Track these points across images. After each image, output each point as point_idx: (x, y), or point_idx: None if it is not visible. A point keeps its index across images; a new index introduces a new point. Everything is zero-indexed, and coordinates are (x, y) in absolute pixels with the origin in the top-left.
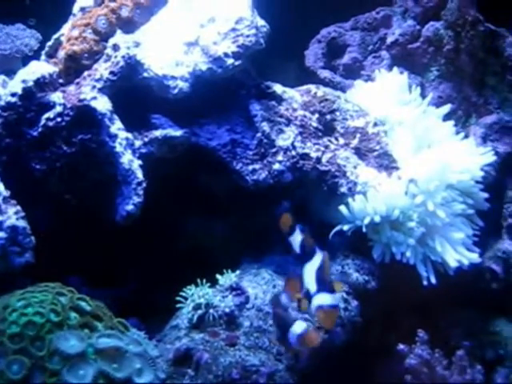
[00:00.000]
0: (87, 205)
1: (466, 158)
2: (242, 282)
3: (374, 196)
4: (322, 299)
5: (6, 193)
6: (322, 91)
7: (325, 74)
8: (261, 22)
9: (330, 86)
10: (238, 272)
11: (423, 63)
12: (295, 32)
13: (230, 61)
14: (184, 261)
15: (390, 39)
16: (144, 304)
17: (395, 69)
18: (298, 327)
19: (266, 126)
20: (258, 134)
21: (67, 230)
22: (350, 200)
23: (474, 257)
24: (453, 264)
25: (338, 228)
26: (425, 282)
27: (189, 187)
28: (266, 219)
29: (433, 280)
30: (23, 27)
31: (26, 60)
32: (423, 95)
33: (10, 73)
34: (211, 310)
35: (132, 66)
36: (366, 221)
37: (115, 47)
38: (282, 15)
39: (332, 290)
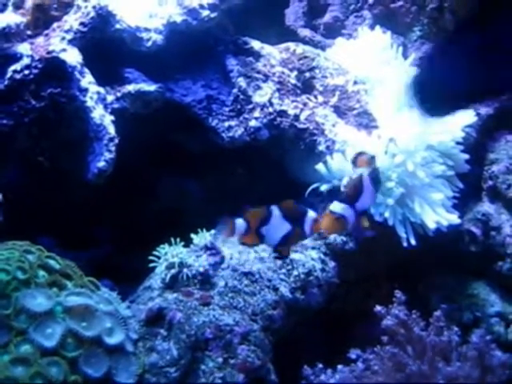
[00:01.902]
0: (58, 162)
1: (447, 118)
2: (218, 242)
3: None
4: (335, 206)
5: None
6: (301, 48)
7: (305, 32)
8: None
9: (310, 44)
10: (212, 231)
11: (406, 23)
12: None
13: (205, 12)
14: (159, 222)
15: None
16: (118, 266)
17: (378, 27)
18: (312, 213)
19: (242, 82)
20: (235, 90)
21: (38, 188)
22: (328, 158)
23: (453, 218)
24: (431, 225)
25: (314, 186)
26: (404, 244)
27: (164, 145)
28: (242, 178)
29: (412, 241)
30: None
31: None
32: (405, 55)
33: None
34: (185, 270)
35: (103, 17)
36: (345, 180)
37: None
38: None
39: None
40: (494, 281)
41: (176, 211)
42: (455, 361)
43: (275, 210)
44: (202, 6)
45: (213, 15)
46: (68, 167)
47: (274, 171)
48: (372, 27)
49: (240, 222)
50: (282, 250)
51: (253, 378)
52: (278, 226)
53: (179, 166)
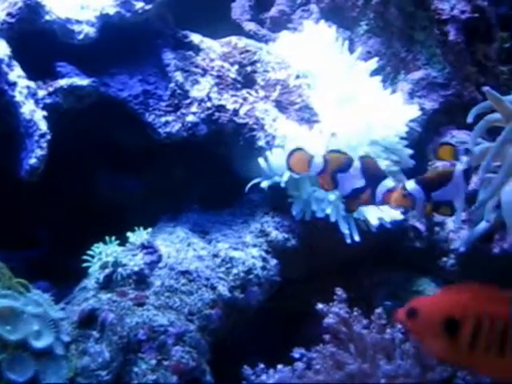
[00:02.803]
0: None
1: (391, 113)
2: (156, 241)
3: None
4: (409, 184)
5: None
6: (243, 42)
7: (250, 26)
8: None
9: (255, 38)
10: (150, 230)
11: (352, 17)
12: None
13: (139, 4)
14: (98, 220)
15: None
16: (57, 266)
17: (322, 21)
18: (391, 182)
19: (179, 76)
20: (172, 85)
21: None
22: (268, 154)
23: (396, 214)
24: (374, 222)
25: (254, 182)
26: (348, 240)
27: (101, 142)
28: (182, 174)
29: (356, 238)
30: None
31: None
32: (352, 50)
33: None
34: (119, 269)
35: (32, 8)
36: (285, 177)
37: None
38: None
39: None
40: (439, 277)
41: (114, 209)
42: (397, 359)
43: (356, 162)
44: None
45: (147, 7)
46: (1, 164)
47: (215, 166)
48: (319, 21)
49: (319, 160)
50: (350, 203)
51: (187, 380)
52: (355, 177)
53: (117, 162)
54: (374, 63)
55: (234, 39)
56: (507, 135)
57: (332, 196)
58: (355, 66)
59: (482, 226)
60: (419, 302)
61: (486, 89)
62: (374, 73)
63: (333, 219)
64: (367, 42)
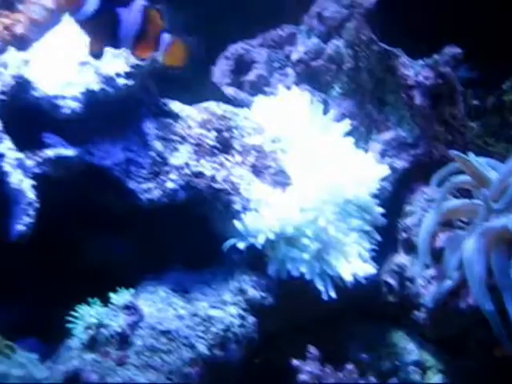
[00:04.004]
0: None
1: (363, 172)
2: (138, 300)
3: (267, 213)
4: None
5: None
6: (221, 109)
7: (229, 90)
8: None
9: (233, 102)
10: (132, 290)
11: (326, 80)
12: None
13: (122, 81)
14: (83, 279)
15: (294, 56)
16: (45, 324)
17: (294, 86)
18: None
19: (159, 145)
20: (152, 153)
21: None
22: (243, 216)
23: (369, 269)
24: (348, 278)
25: (230, 242)
26: (324, 297)
27: (86, 206)
28: (164, 236)
29: (332, 294)
30: None
31: None
32: (327, 112)
33: None
34: (103, 330)
35: (21, 86)
36: (261, 239)
37: (4, 65)
38: (188, 29)
39: None
40: (412, 330)
41: (99, 269)
42: None
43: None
44: (118, 75)
45: (130, 83)
46: None
47: (195, 227)
48: (296, 84)
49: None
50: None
51: None
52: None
53: (102, 225)
54: (347, 124)
55: (212, 105)
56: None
57: (306, 255)
58: (329, 127)
59: (447, 283)
60: None
61: (454, 153)
62: (349, 133)
63: (308, 277)
64: (341, 104)
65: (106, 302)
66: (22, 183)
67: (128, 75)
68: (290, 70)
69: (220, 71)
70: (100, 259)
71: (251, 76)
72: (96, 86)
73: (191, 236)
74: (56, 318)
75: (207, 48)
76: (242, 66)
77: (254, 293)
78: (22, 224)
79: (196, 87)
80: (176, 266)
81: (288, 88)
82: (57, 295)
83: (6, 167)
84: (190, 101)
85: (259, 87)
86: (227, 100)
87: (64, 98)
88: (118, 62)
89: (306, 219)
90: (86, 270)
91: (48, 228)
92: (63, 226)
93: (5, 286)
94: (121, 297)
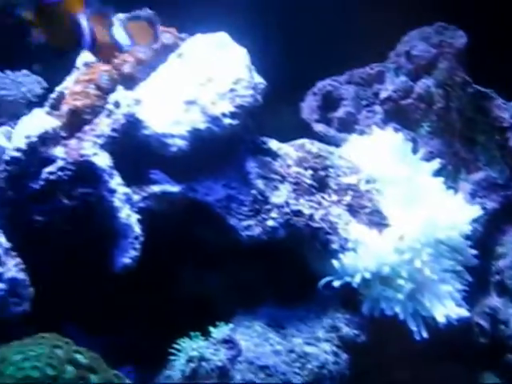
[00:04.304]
0: (86, 255)
1: (455, 213)
2: (235, 335)
3: (364, 253)
4: None
5: (7, 245)
6: (316, 147)
7: (319, 127)
8: (258, 79)
9: (324, 140)
10: (231, 325)
11: (415, 118)
12: (290, 81)
13: (227, 120)
14: (180, 310)
15: (383, 94)
16: (141, 352)
17: (389, 128)
18: None
19: (260, 184)
20: (253, 191)
21: (65, 277)
22: (341, 256)
23: (462, 312)
24: (441, 319)
25: (326, 280)
26: (417, 337)
27: (185, 239)
28: (259, 271)
29: (424, 334)
30: (28, 73)
31: (29, 105)
32: (415, 150)
33: (14, 117)
34: (204, 363)
35: (132, 124)
36: (357, 278)
37: (117, 104)
38: (276, 65)
39: None
40: (504, 372)
41: (197, 301)
42: None
43: None
44: (224, 115)
45: (235, 122)
46: (95, 259)
47: (290, 263)
48: (383, 122)
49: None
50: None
51: None
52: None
53: (200, 258)
54: (436, 164)
55: (307, 143)
56: None
57: (400, 295)
58: (419, 166)
59: None
60: None
61: None
62: (437, 172)
63: (401, 317)
64: (429, 143)
65: (202, 332)
66: (130, 218)
67: (233, 115)
68: (377, 108)
69: (309, 107)
70: (197, 291)
71: (340, 113)
72: (202, 125)
73: (285, 270)
74: (152, 347)
75: (294, 84)
76: (329, 102)
77: (347, 330)
78: (128, 257)
79: (286, 123)
80: (270, 301)
81: (377, 125)
82: (154, 324)
83: (116, 202)
84: (280, 133)
85: (348, 124)
86: (318, 137)
87: (173, 136)
88: (223, 102)
89: (401, 260)
90: (183, 300)
91: (149, 259)
92: (162, 256)
93: (105, 314)
94: (220, 331)
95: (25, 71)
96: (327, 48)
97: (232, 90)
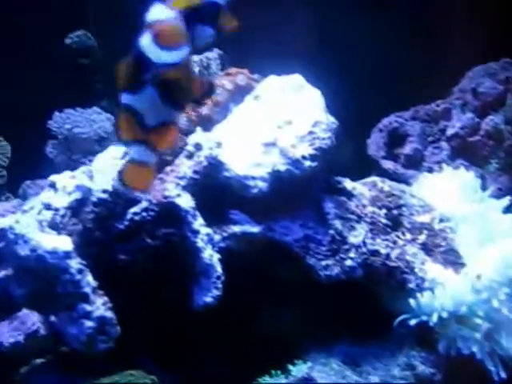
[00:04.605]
0: (166, 292)
1: None
2: (313, 373)
3: (441, 292)
4: None
5: (95, 284)
6: (387, 186)
7: (388, 165)
8: (331, 119)
9: (393, 177)
10: (309, 363)
11: (483, 155)
12: (354, 117)
13: (307, 163)
14: (257, 346)
15: (450, 131)
16: None
17: (458, 165)
18: None
19: (338, 224)
20: (331, 231)
21: (143, 314)
22: (418, 295)
23: None
24: None
25: (402, 317)
26: (495, 377)
27: (263, 278)
28: (336, 307)
29: (502, 374)
30: (99, 110)
31: (100, 141)
32: (483, 187)
33: (87, 154)
34: None
35: (214, 166)
36: (434, 317)
37: (198, 146)
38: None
39: None
40: None
41: (272, 337)
42: None
43: None
44: (304, 157)
45: (314, 164)
46: (174, 296)
47: (366, 302)
48: (450, 158)
49: None
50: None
51: None
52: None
53: (277, 295)
54: (506, 201)
55: (378, 182)
56: None
57: (478, 335)
58: (488, 203)
59: None
60: None
61: None
62: (506, 210)
63: (479, 357)
64: (498, 179)
65: (279, 369)
66: (213, 258)
67: (312, 157)
68: (444, 144)
69: (375, 144)
70: (273, 328)
71: (406, 149)
72: (282, 167)
73: (359, 308)
74: (234, 380)
75: (358, 120)
76: (395, 138)
77: (423, 368)
78: (211, 296)
79: (351, 160)
80: (345, 338)
81: (444, 162)
82: (233, 361)
83: (199, 243)
84: (349, 174)
85: (415, 160)
86: (387, 174)
87: (254, 178)
88: (302, 145)
89: (479, 299)
90: (260, 337)
91: (227, 297)
92: (242, 295)
93: (185, 351)
94: (299, 369)
95: (95, 108)
96: (389, 83)
97: (311, 133)
